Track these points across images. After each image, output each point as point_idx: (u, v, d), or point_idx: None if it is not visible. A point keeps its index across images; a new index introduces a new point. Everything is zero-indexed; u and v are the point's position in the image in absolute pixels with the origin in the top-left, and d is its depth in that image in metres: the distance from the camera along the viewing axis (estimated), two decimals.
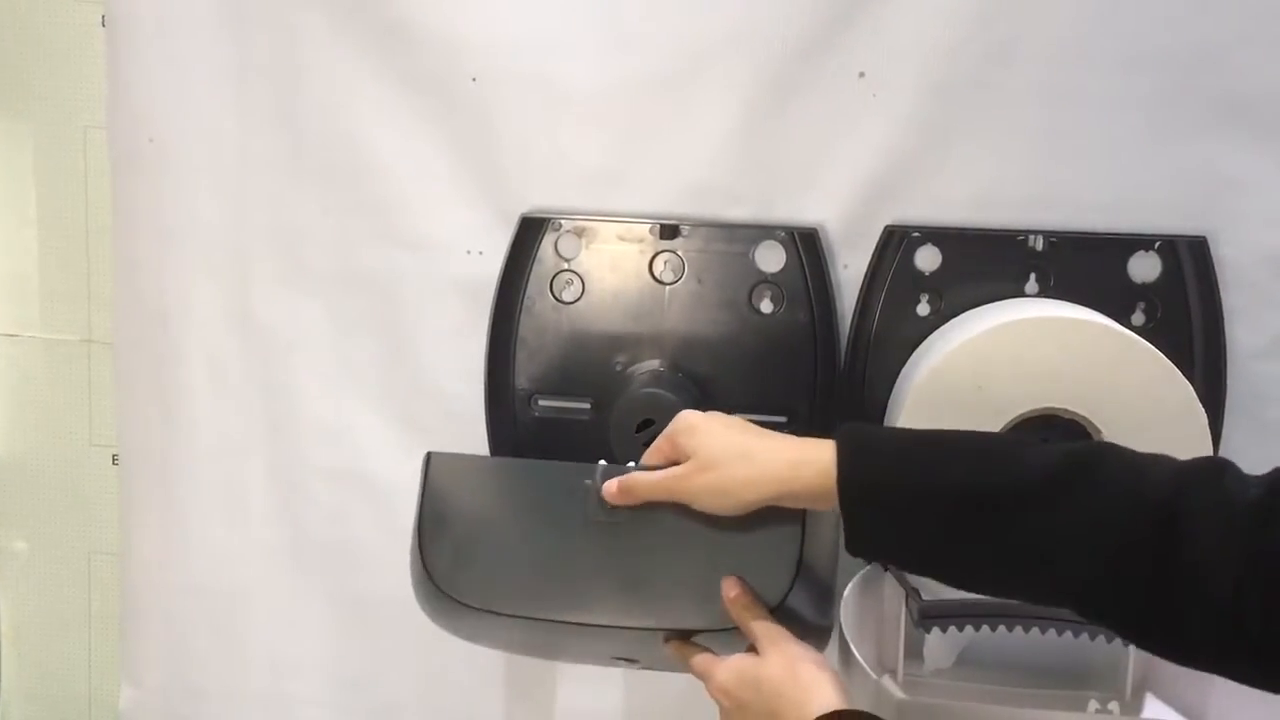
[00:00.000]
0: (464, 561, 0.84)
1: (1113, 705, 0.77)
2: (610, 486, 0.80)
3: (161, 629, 1.14)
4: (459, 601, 0.83)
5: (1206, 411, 0.91)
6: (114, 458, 1.28)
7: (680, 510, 0.80)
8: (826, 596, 0.85)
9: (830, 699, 0.69)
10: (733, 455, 0.76)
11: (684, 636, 0.80)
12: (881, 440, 0.74)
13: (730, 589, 0.78)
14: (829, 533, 0.86)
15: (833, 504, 0.72)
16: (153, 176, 1.08)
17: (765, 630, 0.76)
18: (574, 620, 0.81)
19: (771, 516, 0.79)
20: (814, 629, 0.82)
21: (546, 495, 0.85)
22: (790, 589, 0.79)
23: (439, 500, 0.86)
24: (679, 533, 0.81)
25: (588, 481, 0.83)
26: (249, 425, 1.10)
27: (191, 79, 1.06)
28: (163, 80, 1.07)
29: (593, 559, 0.83)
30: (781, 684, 0.72)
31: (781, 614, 0.78)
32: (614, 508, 0.81)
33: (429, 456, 0.87)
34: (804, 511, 0.79)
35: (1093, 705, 0.77)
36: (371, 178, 1.05)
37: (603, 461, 0.84)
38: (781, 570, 0.79)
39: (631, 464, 0.83)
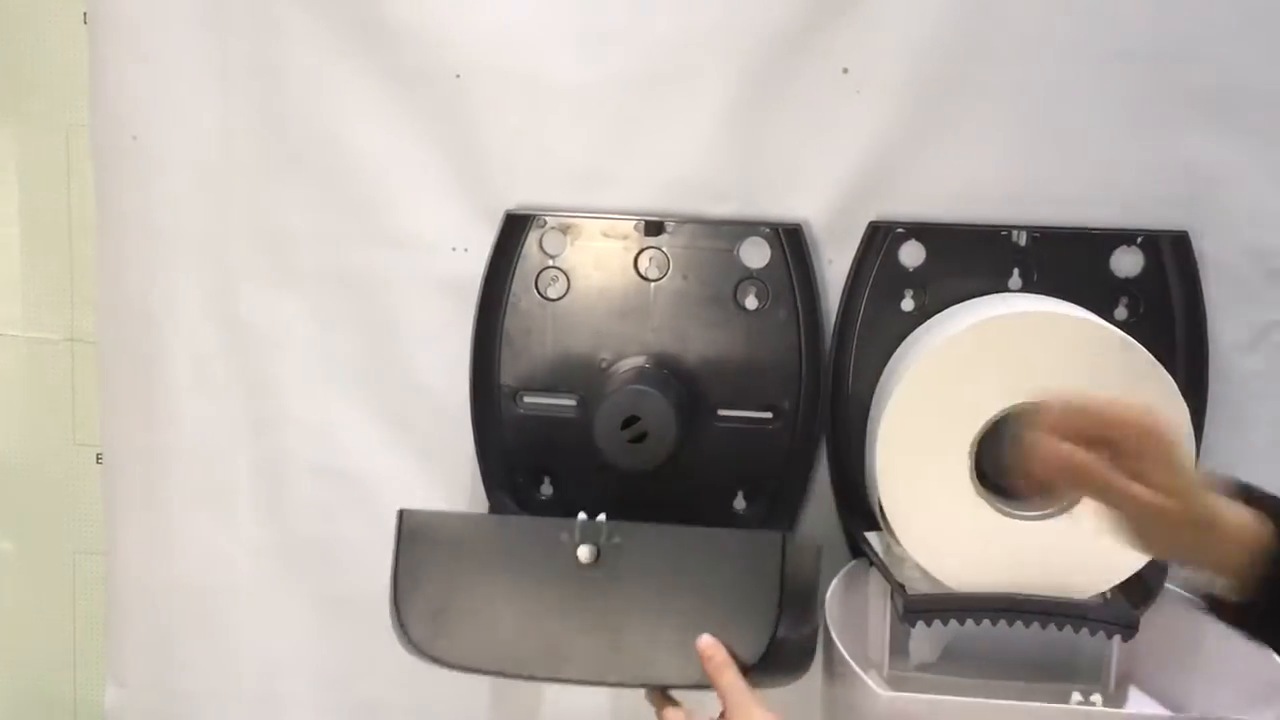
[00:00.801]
0: (441, 621, 0.86)
1: (1095, 697, 0.77)
2: None
3: (147, 628, 1.14)
4: (438, 660, 0.85)
5: (1189, 404, 0.92)
6: (98, 457, 1.27)
7: (659, 565, 0.82)
8: (807, 646, 0.87)
9: None
10: None
11: (662, 690, 0.81)
12: None
13: (706, 648, 0.78)
14: (808, 584, 0.88)
15: None
16: (136, 174, 1.08)
17: (735, 694, 0.78)
18: (553, 677, 0.84)
19: (749, 571, 0.81)
20: (794, 674, 0.84)
21: (522, 551, 0.86)
22: (769, 645, 0.80)
23: (413, 559, 0.87)
24: (658, 588, 0.82)
25: (564, 536, 0.83)
26: (234, 424, 1.09)
27: (174, 76, 1.06)
28: (145, 78, 1.07)
29: (571, 615, 0.84)
30: None
31: (759, 669, 0.80)
32: (592, 562, 0.82)
33: (401, 514, 0.87)
34: (782, 567, 0.81)
35: (1075, 697, 0.78)
36: (355, 175, 1.05)
37: (581, 515, 0.84)
38: (760, 626, 0.81)
39: (602, 516, 0.83)
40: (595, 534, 0.85)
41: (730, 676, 0.78)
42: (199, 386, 1.09)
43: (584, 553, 0.85)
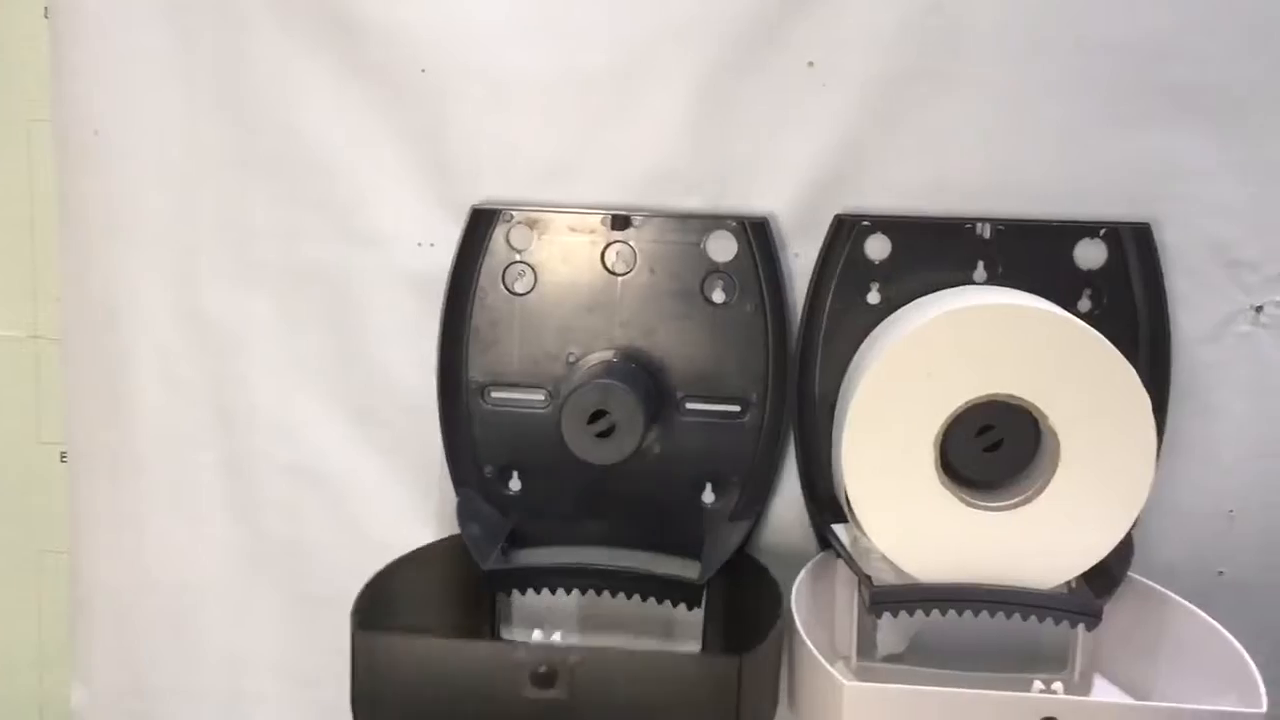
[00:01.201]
0: None
1: (1056, 685, 0.78)
2: None
3: (113, 627, 1.13)
4: None
5: (1152, 395, 0.92)
6: (62, 455, 1.26)
7: (614, 686, 0.82)
8: None
9: None
10: None
11: None
12: None
13: None
14: (767, 693, 0.88)
15: None
16: (98, 170, 1.07)
17: None
18: None
19: (705, 684, 0.82)
20: None
21: (478, 674, 0.85)
22: None
23: (369, 681, 0.86)
24: (614, 709, 0.82)
25: (520, 654, 0.83)
26: (200, 421, 1.09)
27: (136, 71, 1.05)
28: (107, 73, 1.06)
29: None
30: None
31: None
32: (545, 682, 0.82)
33: (354, 635, 0.87)
34: (739, 676, 0.81)
35: (1037, 686, 0.78)
36: (321, 170, 1.04)
37: (536, 632, 0.84)
38: None
39: (557, 634, 0.83)
40: (550, 654, 0.84)
41: None
42: (164, 384, 1.08)
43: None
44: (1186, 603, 0.91)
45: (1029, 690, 0.79)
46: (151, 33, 1.04)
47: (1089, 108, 0.96)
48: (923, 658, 1.01)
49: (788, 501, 1.04)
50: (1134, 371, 0.87)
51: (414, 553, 1.01)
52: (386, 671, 0.87)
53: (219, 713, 1.12)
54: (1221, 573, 1.01)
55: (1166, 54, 0.94)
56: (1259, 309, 0.98)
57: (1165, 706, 0.85)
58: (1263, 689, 0.80)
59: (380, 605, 0.94)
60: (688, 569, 0.99)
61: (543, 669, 0.83)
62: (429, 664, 0.86)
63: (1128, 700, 0.92)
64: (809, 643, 0.85)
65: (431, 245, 1.04)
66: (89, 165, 1.07)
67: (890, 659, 1.01)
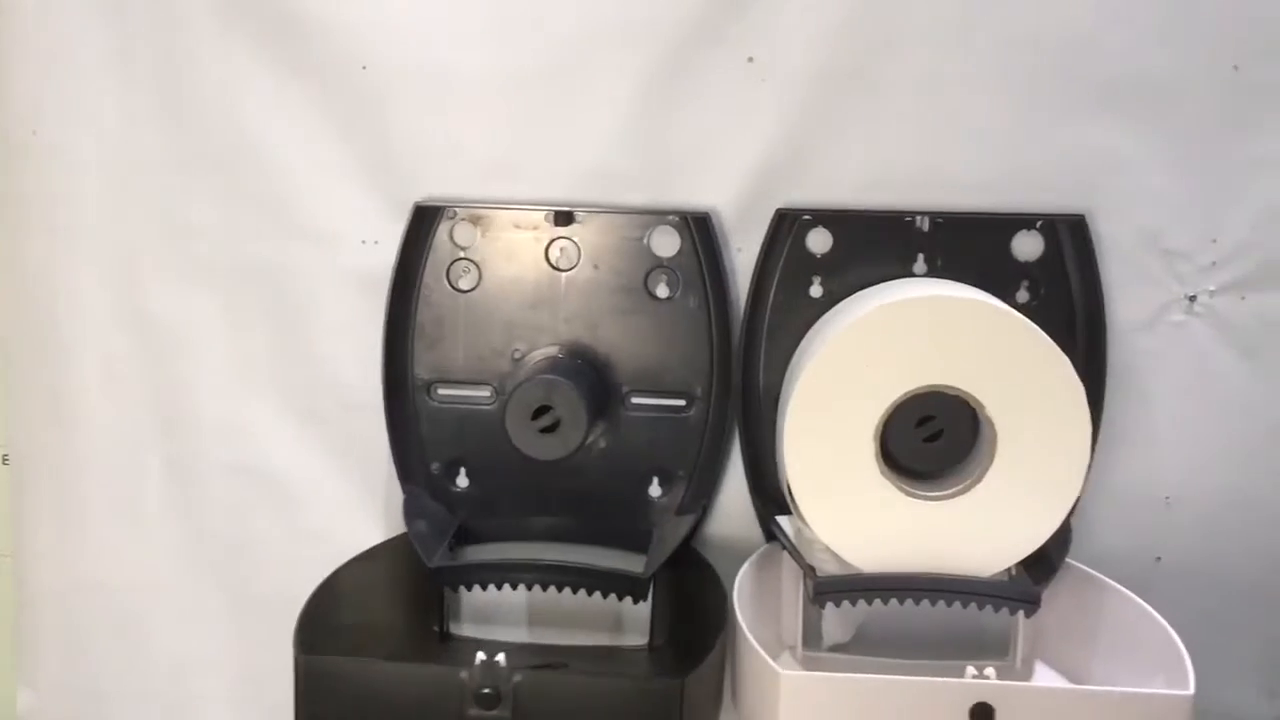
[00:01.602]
0: None
1: (989, 671, 0.79)
2: None
3: (58, 631, 1.12)
4: None
5: (1089, 384, 0.94)
6: (4, 458, 1.24)
7: (557, 706, 0.83)
8: None
9: None
10: None
11: None
12: None
13: None
14: (710, 703, 0.90)
15: None
16: (38, 171, 1.06)
17: None
18: None
19: (647, 706, 0.83)
20: None
21: (422, 696, 0.85)
22: None
23: (315, 707, 0.87)
24: None
25: (463, 675, 0.84)
26: (143, 422, 1.08)
27: (75, 71, 1.04)
28: (45, 72, 1.05)
29: None
30: None
31: None
32: (488, 704, 0.83)
33: (296, 660, 0.87)
34: (681, 698, 0.82)
35: (969, 671, 0.79)
36: (263, 169, 1.04)
37: (480, 654, 0.84)
38: None
39: (501, 655, 0.84)
40: (494, 676, 0.85)
41: None
42: (107, 384, 1.08)
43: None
44: (1122, 588, 0.93)
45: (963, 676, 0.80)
46: (90, 32, 1.03)
47: (1021, 102, 0.97)
48: (869, 647, 1.02)
49: (734, 494, 1.05)
50: (1068, 361, 0.88)
51: (361, 555, 1.01)
52: (330, 695, 0.87)
53: (166, 713, 1.12)
54: (1159, 558, 1.03)
55: (1091, 48, 0.96)
56: (1192, 298, 0.99)
57: (1092, 690, 0.86)
58: (1191, 672, 0.82)
59: (325, 618, 0.94)
60: (635, 563, 0.99)
61: (486, 690, 0.83)
62: (373, 687, 0.87)
63: (1056, 685, 0.94)
64: (749, 635, 0.85)
65: (375, 243, 1.04)
66: (28, 165, 1.06)
67: (836, 649, 1.02)
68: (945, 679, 0.79)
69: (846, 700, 0.79)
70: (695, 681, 0.85)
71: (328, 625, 0.93)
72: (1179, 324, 1.00)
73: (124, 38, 1.03)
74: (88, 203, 1.06)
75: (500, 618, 1.09)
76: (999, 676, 0.80)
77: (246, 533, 1.08)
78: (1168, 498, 1.02)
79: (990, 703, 0.77)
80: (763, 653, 0.83)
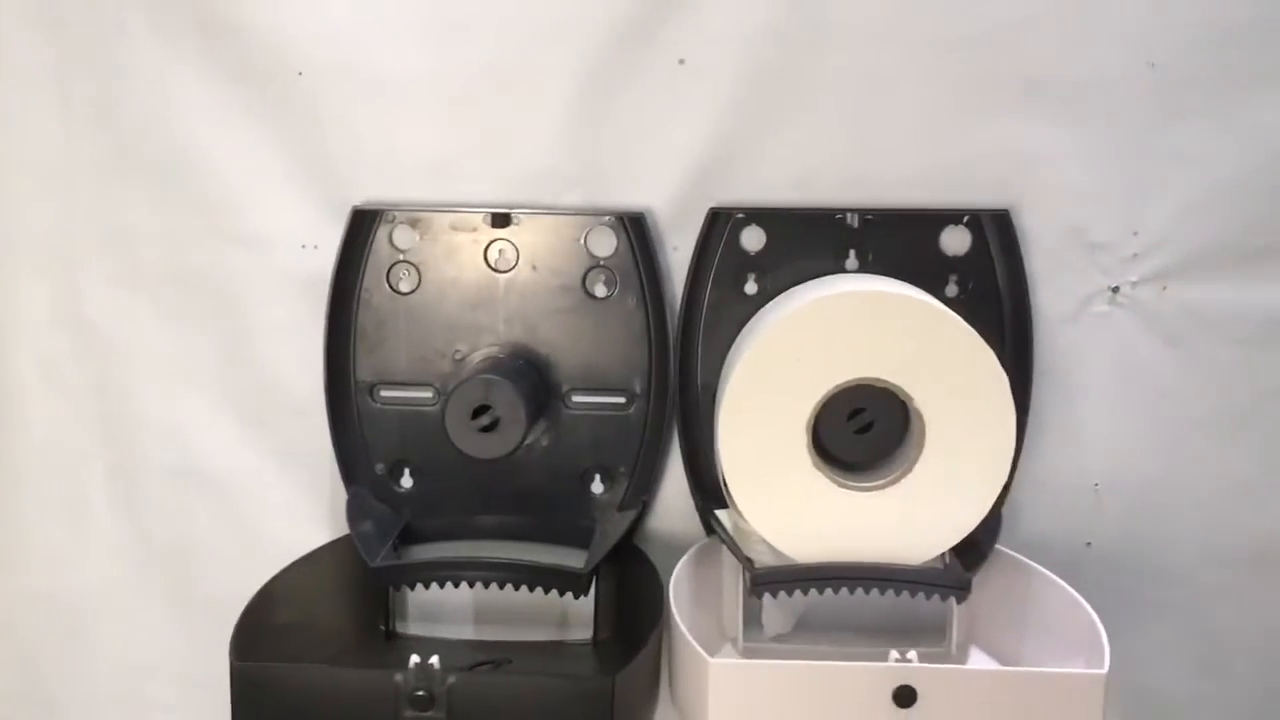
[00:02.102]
0: None
1: (911, 655, 0.81)
2: None
3: (4, 638, 1.12)
4: None
5: (1017, 375, 0.97)
6: None
7: (490, 707, 0.85)
8: None
9: None
10: None
11: None
12: None
13: None
14: (644, 700, 0.92)
15: None
16: None
17: None
18: None
19: (579, 706, 0.85)
20: None
21: (357, 699, 0.87)
22: None
23: (250, 712, 0.88)
24: None
25: (397, 677, 0.85)
26: (85, 427, 1.09)
27: (10, 77, 1.04)
28: None
29: None
30: None
31: None
32: (422, 705, 0.84)
33: (231, 666, 0.88)
34: (613, 696, 0.84)
35: (893, 655, 0.81)
36: (201, 174, 1.04)
37: (415, 657, 0.86)
38: None
39: (434, 658, 0.85)
40: (428, 678, 0.86)
41: None
42: (47, 390, 1.08)
43: None
44: (1048, 573, 0.95)
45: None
46: (26, 40, 1.04)
47: (947, 101, 0.99)
48: (809, 636, 1.04)
49: (674, 490, 1.06)
50: (992, 353, 0.90)
51: (302, 558, 1.02)
52: (265, 701, 0.88)
53: (118, 717, 1.12)
54: (1089, 544, 1.05)
55: (1013, 48, 0.98)
56: (1115, 289, 1.02)
57: (1009, 670, 0.89)
58: (1107, 652, 0.84)
59: (264, 623, 0.94)
60: (578, 559, 1.01)
61: (420, 692, 0.85)
62: (307, 691, 0.88)
63: (983, 667, 0.96)
64: (681, 625, 0.87)
65: (315, 247, 1.04)
66: None
67: (778, 639, 1.04)
68: (868, 663, 0.81)
69: (774, 686, 0.81)
70: (627, 678, 0.86)
71: (268, 629, 0.94)
72: (1103, 315, 1.02)
73: (60, 47, 1.03)
74: (26, 208, 1.06)
75: (447, 616, 1.10)
76: (934, 661, 0.82)
77: (191, 537, 1.09)
78: (1097, 485, 1.04)
79: (913, 685, 0.79)
80: (693, 642, 0.84)
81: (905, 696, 0.80)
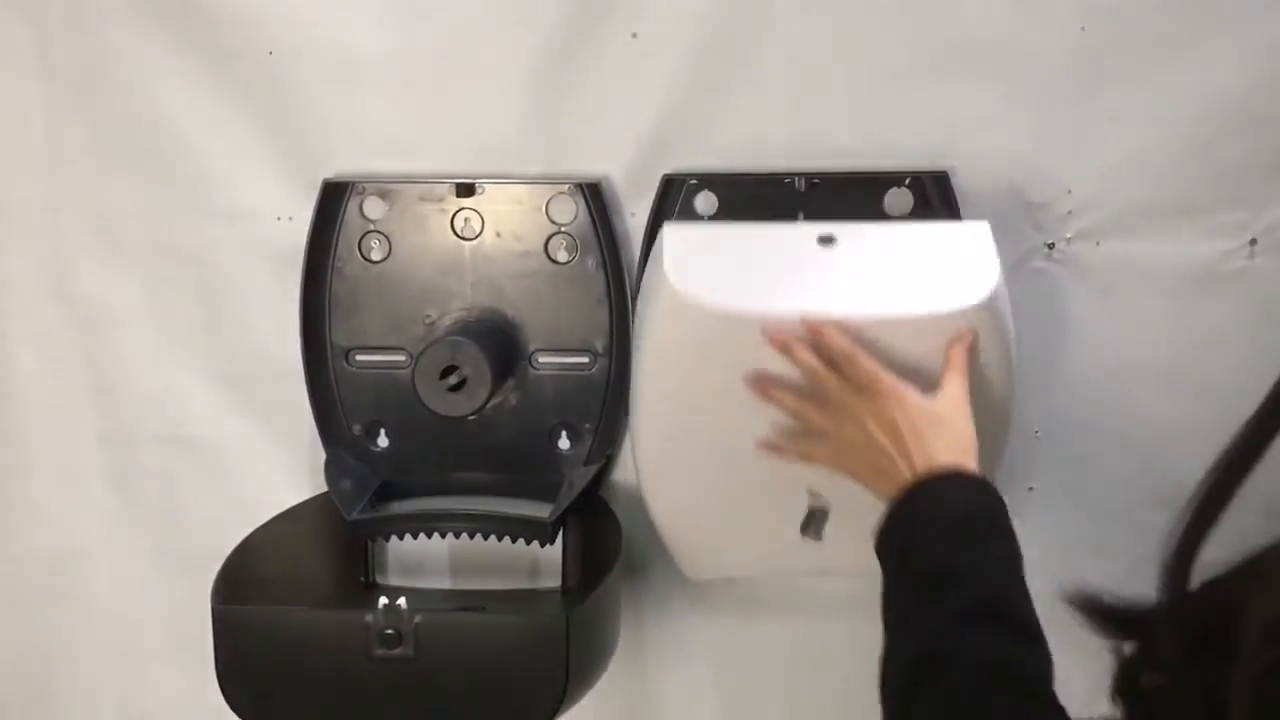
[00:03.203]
0: (265, 707, 0.93)
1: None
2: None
3: (2, 594, 1.18)
4: None
5: None
6: None
7: (454, 644, 0.91)
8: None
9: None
10: None
11: None
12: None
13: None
14: (602, 639, 0.99)
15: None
16: None
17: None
18: None
19: (535, 640, 0.91)
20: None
21: (331, 638, 0.92)
22: (561, 699, 0.91)
23: (231, 653, 0.94)
24: (456, 664, 0.91)
25: (367, 618, 0.90)
26: (77, 397, 1.14)
27: None
28: None
29: (376, 692, 0.92)
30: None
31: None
32: (391, 643, 0.90)
33: (214, 611, 0.94)
34: (567, 632, 0.90)
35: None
36: (179, 152, 1.09)
37: (383, 599, 0.91)
38: (552, 684, 0.91)
39: (402, 600, 0.91)
40: (396, 618, 0.91)
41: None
42: (40, 361, 1.14)
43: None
44: None
45: None
46: (8, 23, 1.09)
47: (887, 68, 1.03)
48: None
49: None
50: None
51: (282, 514, 1.07)
52: (245, 642, 0.94)
53: (113, 669, 1.18)
54: (1032, 488, 1.10)
55: (950, 15, 1.02)
56: (1051, 246, 1.07)
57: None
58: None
59: (246, 573, 1.00)
60: (546, 512, 1.06)
61: (389, 631, 0.90)
62: (285, 632, 0.94)
63: None
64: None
65: (290, 219, 1.09)
66: None
67: None
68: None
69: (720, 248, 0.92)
70: (582, 615, 0.92)
71: (251, 580, 1.00)
72: (1040, 270, 1.07)
73: (39, 30, 1.08)
74: (13, 189, 1.12)
75: (424, 568, 1.16)
76: None
77: (179, 497, 1.15)
78: (1037, 432, 1.10)
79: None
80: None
81: (825, 239, 0.93)
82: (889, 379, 0.86)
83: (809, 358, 0.89)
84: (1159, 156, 1.04)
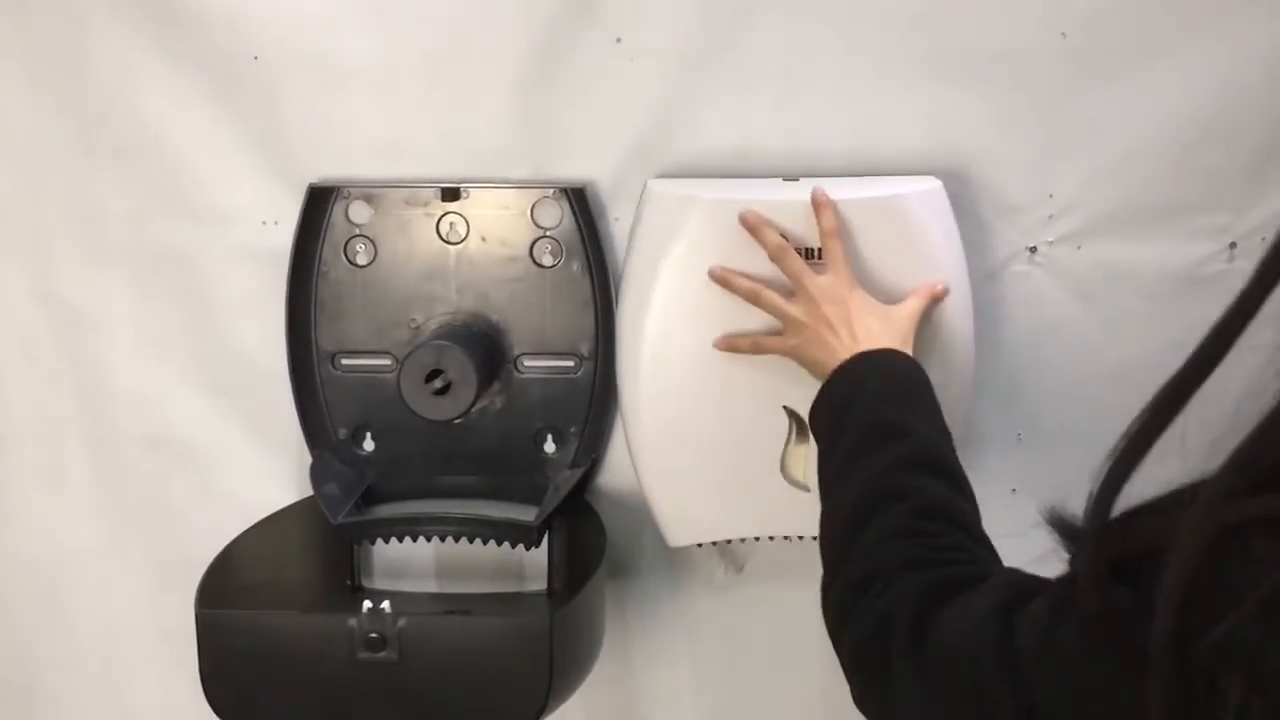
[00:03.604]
0: (250, 711, 0.94)
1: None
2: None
3: None
4: None
5: None
6: None
7: (438, 646, 0.91)
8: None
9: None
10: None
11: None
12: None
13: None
14: (585, 640, 0.99)
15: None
16: None
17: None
18: None
19: (519, 642, 0.91)
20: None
21: (315, 642, 0.93)
22: (545, 701, 0.91)
23: (215, 657, 0.94)
24: (439, 666, 0.91)
25: (351, 622, 0.91)
26: (62, 399, 1.14)
27: None
28: None
29: (360, 695, 0.92)
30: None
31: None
32: (376, 647, 0.91)
33: (197, 615, 0.94)
34: (550, 633, 0.90)
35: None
36: (164, 156, 1.09)
37: (367, 603, 0.91)
38: (536, 685, 0.91)
39: (385, 604, 0.91)
40: (380, 621, 0.92)
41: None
42: (25, 365, 1.14)
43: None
44: None
45: None
46: None
47: (872, 75, 1.04)
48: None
49: (621, 447, 1.11)
50: None
51: (266, 519, 1.08)
52: (231, 646, 0.94)
53: (98, 673, 1.18)
54: (1014, 490, 1.11)
55: (934, 23, 1.03)
56: (1033, 249, 1.08)
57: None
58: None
59: (230, 578, 1.01)
60: (531, 515, 1.07)
61: (373, 635, 0.91)
62: (269, 636, 0.94)
63: None
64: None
65: (275, 223, 1.09)
66: None
67: None
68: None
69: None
70: (565, 617, 0.93)
71: (235, 584, 1.00)
72: (1022, 273, 1.08)
73: (23, 32, 1.07)
74: (0, 192, 1.11)
75: (411, 572, 1.16)
76: None
77: (164, 500, 1.15)
78: (1019, 434, 1.11)
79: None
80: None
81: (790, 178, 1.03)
82: (848, 268, 0.95)
83: (775, 236, 0.97)
84: (1140, 161, 1.05)
